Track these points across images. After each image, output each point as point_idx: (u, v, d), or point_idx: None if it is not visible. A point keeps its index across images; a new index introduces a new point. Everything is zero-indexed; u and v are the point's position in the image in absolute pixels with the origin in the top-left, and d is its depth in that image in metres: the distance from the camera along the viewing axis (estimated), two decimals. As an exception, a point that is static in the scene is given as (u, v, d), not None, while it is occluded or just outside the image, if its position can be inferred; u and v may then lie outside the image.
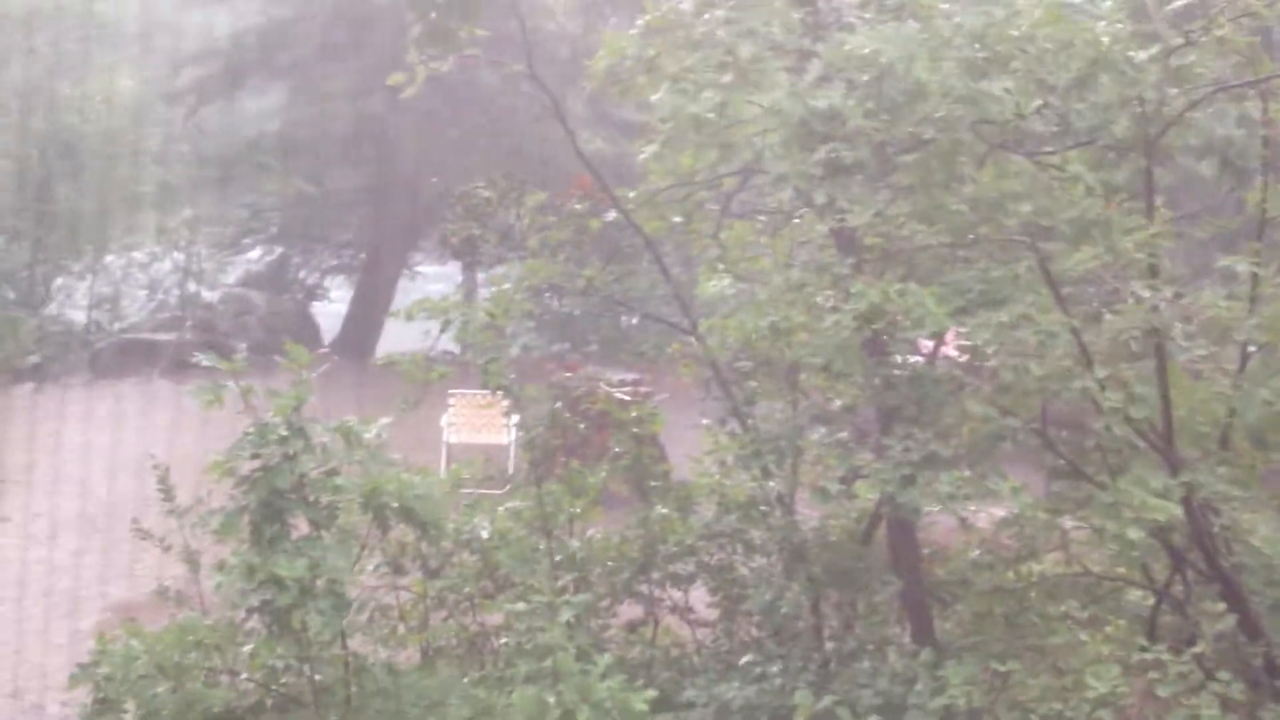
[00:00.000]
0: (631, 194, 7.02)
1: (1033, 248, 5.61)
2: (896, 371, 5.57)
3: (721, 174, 6.67)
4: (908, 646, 5.83)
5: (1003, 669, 5.42)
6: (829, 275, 5.48)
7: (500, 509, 7.00)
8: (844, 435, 5.84)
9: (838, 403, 5.98)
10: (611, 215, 7.11)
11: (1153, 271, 5.85)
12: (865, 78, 5.44)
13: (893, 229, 5.58)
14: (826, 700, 5.10)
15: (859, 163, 5.28)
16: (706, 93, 5.48)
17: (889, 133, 5.47)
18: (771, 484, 6.27)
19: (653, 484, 7.12)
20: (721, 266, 6.97)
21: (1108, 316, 5.86)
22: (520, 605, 5.48)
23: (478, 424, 14.94)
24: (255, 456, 5.24)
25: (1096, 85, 5.59)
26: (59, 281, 24.72)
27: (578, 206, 7.25)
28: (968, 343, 5.50)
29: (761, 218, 7.34)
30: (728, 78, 5.49)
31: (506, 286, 6.99)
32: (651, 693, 5.10)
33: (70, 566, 11.69)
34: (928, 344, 6.18)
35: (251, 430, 5.25)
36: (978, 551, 6.57)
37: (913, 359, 6.03)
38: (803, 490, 6.86)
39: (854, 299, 5.08)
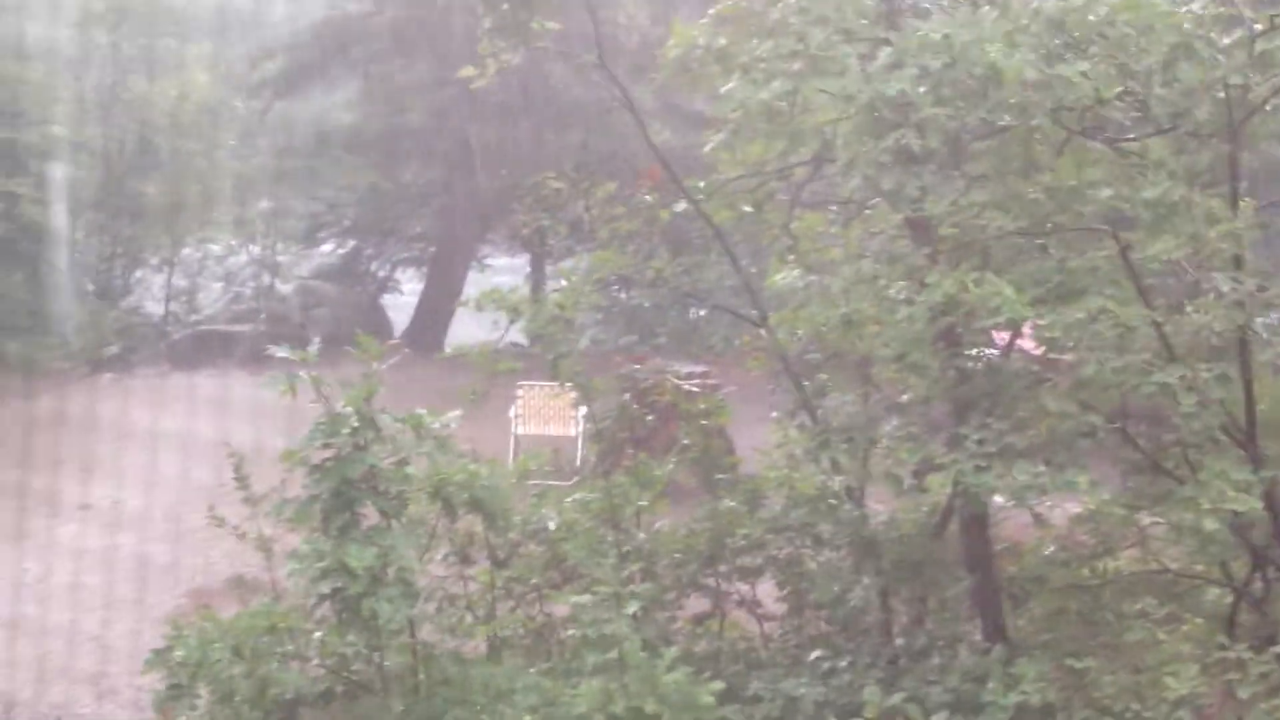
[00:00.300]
0: (701, 184, 6.97)
1: (1113, 236, 5.49)
2: (971, 364, 5.47)
3: (792, 164, 6.60)
4: (979, 643, 5.74)
5: (1079, 666, 5.32)
6: (902, 266, 5.40)
7: (568, 500, 6.99)
8: (916, 428, 5.75)
9: (909, 395, 5.89)
10: (681, 206, 7.07)
11: (1236, 263, 5.70)
12: (938, 64, 5.35)
13: (968, 218, 5.48)
14: (896, 697, 5.03)
15: (929, 150, 5.19)
16: (777, 81, 5.42)
17: (962, 120, 5.37)
18: (841, 477, 6.20)
19: (720, 476, 7.08)
20: (792, 258, 6.90)
21: (1189, 309, 5.72)
22: (587, 597, 5.47)
23: (546, 416, 14.97)
24: (327, 446, 5.29)
25: (1178, 70, 5.45)
26: (138, 274, 25.18)
27: (647, 197, 7.21)
28: (1045, 335, 5.38)
29: (833, 208, 7.26)
30: (798, 66, 5.43)
31: (575, 279, 6.98)
32: (718, 685, 5.07)
33: (147, 553, 11.89)
34: (1002, 337, 6.08)
35: (324, 421, 5.30)
36: (1052, 547, 6.45)
37: (987, 352, 5.92)
38: (872, 484, 6.78)
39: (929, 290, 5.00)
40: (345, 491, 5.22)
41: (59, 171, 21.91)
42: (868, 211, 6.79)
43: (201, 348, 21.16)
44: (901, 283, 5.59)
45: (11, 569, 11.28)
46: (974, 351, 5.62)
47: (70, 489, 13.71)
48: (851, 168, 5.39)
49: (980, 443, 4.98)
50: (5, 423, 16.69)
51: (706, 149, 6.40)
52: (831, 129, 5.73)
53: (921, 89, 5.18)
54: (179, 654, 4.98)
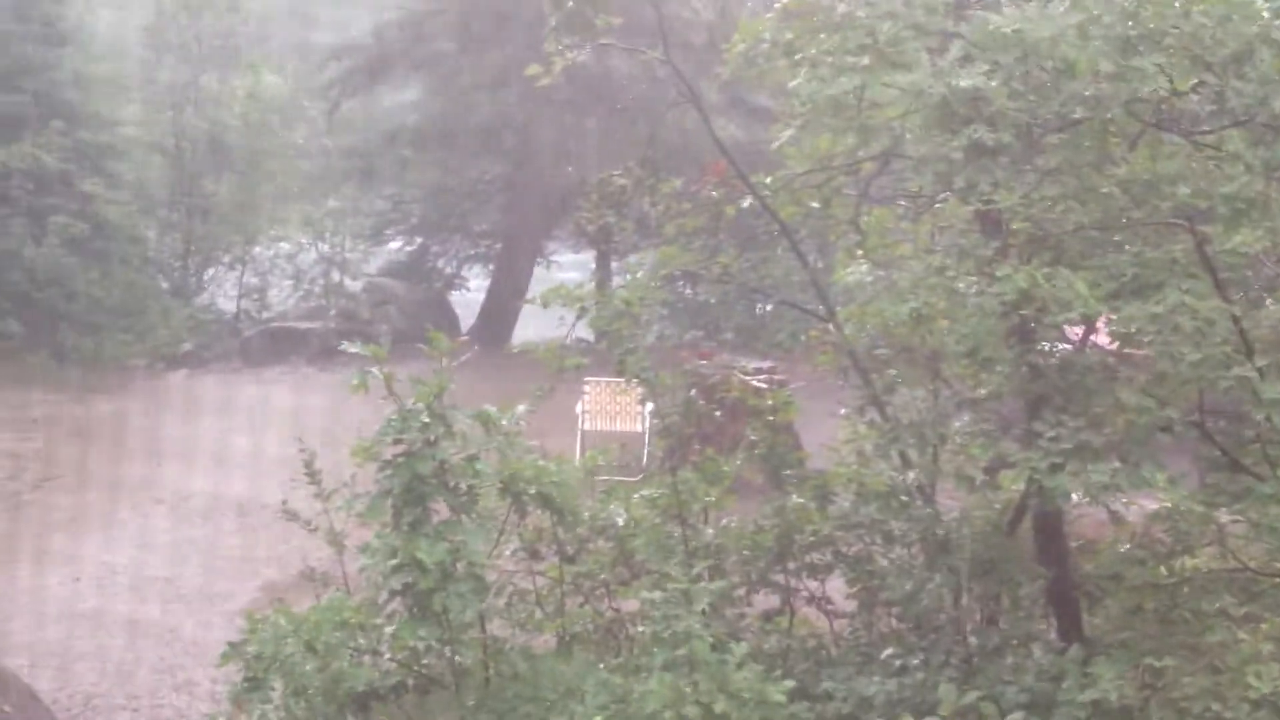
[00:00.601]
0: (768, 180, 6.94)
1: (1189, 230, 5.39)
2: (1044, 360, 5.39)
3: (860, 159, 6.55)
4: (1054, 642, 5.66)
5: (1159, 665, 5.23)
6: (973, 260, 5.33)
7: (635, 496, 7.00)
8: (988, 425, 5.69)
9: (981, 391, 5.82)
10: (747, 202, 7.04)
11: (1317, 256, 5.58)
12: (1010, 57, 5.28)
13: (1040, 212, 5.41)
14: (971, 695, 4.98)
15: (1002, 145, 5.12)
16: (845, 76, 5.38)
17: (1035, 113, 5.29)
18: (912, 474, 6.14)
19: (788, 473, 7.04)
20: (859, 253, 6.86)
21: (1269, 303, 5.60)
22: (657, 593, 5.47)
23: (612, 411, 15.03)
24: (398, 442, 5.33)
25: (1255, 61, 5.33)
26: (210, 272, 25.62)
27: (713, 193, 7.19)
28: (1120, 330, 5.29)
29: (901, 203, 7.20)
30: (866, 60, 5.38)
31: (641, 274, 6.97)
32: (789, 683, 5.05)
33: (220, 547, 12.10)
34: (1075, 332, 5.99)
35: (395, 416, 5.34)
36: (1128, 545, 6.34)
37: (1060, 347, 5.84)
38: (942, 481, 6.72)
39: (1000, 283, 4.93)
40: (416, 487, 5.25)
41: (134, 171, 22.34)
42: (937, 206, 6.72)
43: (273, 344, 21.49)
44: (971, 277, 5.53)
45: (88, 561, 11.52)
46: (1047, 347, 5.54)
47: (145, 483, 13.98)
48: (922, 163, 5.33)
49: (1055, 440, 4.91)
50: (82, 418, 17.05)
51: (774, 145, 6.37)
52: (900, 124, 5.67)
53: (994, 83, 5.11)
54: (254, 648, 5.04)
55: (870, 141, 5.98)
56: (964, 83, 5.01)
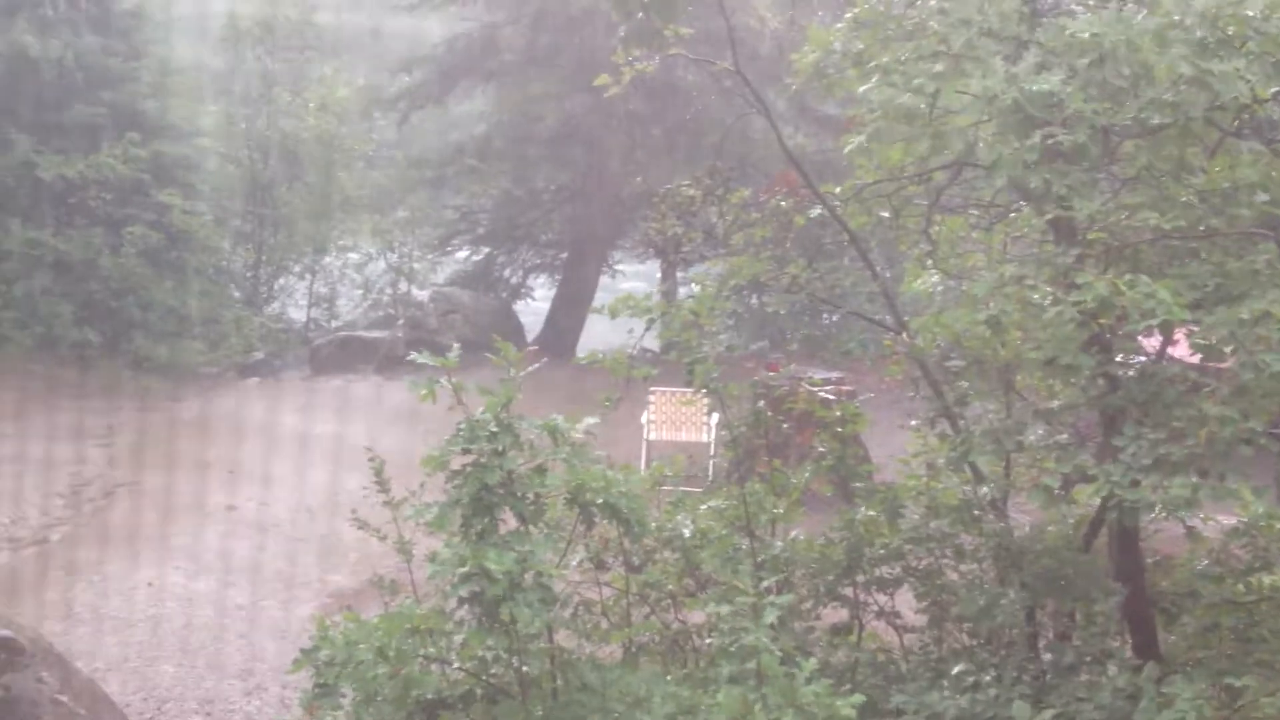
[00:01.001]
0: (837, 189, 6.90)
1: (1275, 240, 5.27)
2: (1122, 371, 5.29)
3: (931, 168, 6.49)
4: (1129, 660, 5.55)
5: (1237, 684, 5.11)
6: (1050, 268, 5.25)
7: (702, 507, 6.97)
8: (1064, 437, 5.60)
9: (1056, 403, 5.73)
10: (816, 211, 7.00)
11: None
12: (1086, 62, 5.20)
13: (1118, 220, 5.32)
14: (1045, 714, 4.89)
15: (1079, 148, 5.04)
16: (918, 83, 5.33)
17: (1111, 119, 5.21)
18: (985, 488, 6.06)
19: (856, 485, 6.98)
20: (930, 263, 6.79)
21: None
22: (725, 606, 5.43)
23: (677, 422, 15.01)
24: (466, 452, 5.34)
25: (1339, 67, 5.21)
26: (281, 281, 25.96)
27: (782, 203, 7.16)
28: (1202, 340, 5.18)
29: (973, 212, 7.12)
30: (939, 68, 5.33)
31: (709, 286, 6.96)
32: (859, 698, 4.99)
33: (290, 553, 12.23)
34: (1153, 343, 5.88)
35: (463, 427, 5.35)
36: (1205, 561, 6.22)
37: (1138, 358, 5.73)
38: (1014, 495, 6.63)
39: (1080, 292, 4.85)
40: (484, 497, 5.25)
41: (208, 182, 22.71)
42: (1011, 215, 6.64)
43: (342, 353, 21.70)
44: (1047, 288, 5.45)
45: (161, 566, 11.69)
46: (1125, 358, 5.44)
47: (217, 489, 14.17)
48: (996, 169, 5.26)
49: (1134, 453, 4.82)
50: (156, 425, 17.33)
51: (844, 153, 6.33)
52: (974, 131, 5.61)
53: (1069, 88, 5.03)
54: (325, 654, 5.06)
55: (942, 149, 5.91)
56: (1038, 87, 4.94)
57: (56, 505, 13.66)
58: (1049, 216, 5.43)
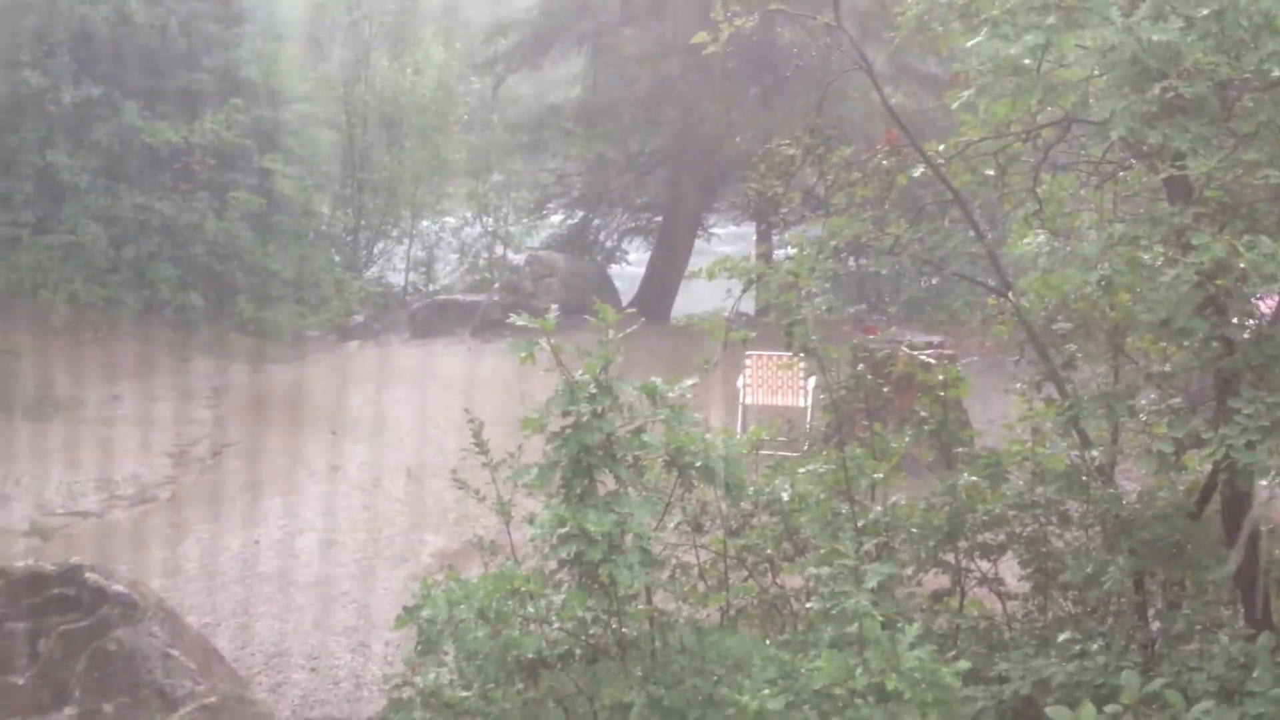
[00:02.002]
0: (940, 148, 6.75)
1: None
2: (1238, 333, 5.11)
3: (1040, 124, 6.31)
4: (1242, 630, 5.40)
5: (1356, 657, 4.94)
6: (1164, 228, 5.08)
7: (800, 471, 6.92)
8: (1177, 401, 5.43)
9: (1167, 366, 5.56)
10: (919, 170, 6.86)
11: None
12: (1204, 12, 5.01)
13: (1235, 178, 5.12)
14: (1156, 683, 4.78)
15: (1199, 102, 4.85)
16: (1029, 35, 5.16)
17: (1231, 71, 5.00)
18: (1092, 453, 5.91)
19: (959, 450, 6.87)
20: (1037, 223, 6.62)
21: None
22: (825, 569, 5.39)
23: (774, 386, 14.90)
24: (566, 414, 5.34)
25: None
26: (379, 246, 26.28)
27: (884, 162, 7.02)
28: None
29: (1082, 170, 6.92)
30: (1051, 19, 5.16)
31: (808, 247, 6.86)
32: (964, 664, 4.92)
33: (391, 514, 12.42)
34: (1269, 305, 5.68)
35: (562, 388, 5.35)
36: (1322, 529, 6.02)
37: (1253, 321, 5.54)
38: (1122, 461, 6.47)
39: (1197, 252, 4.69)
40: (583, 458, 5.26)
41: (308, 147, 23.02)
42: (1122, 174, 6.45)
43: (439, 316, 21.93)
44: (1159, 248, 5.28)
45: (266, 525, 11.96)
46: (1241, 321, 5.25)
47: (320, 450, 14.44)
48: (1111, 124, 5.09)
49: (1252, 415, 4.66)
50: (260, 387, 17.70)
51: (950, 109, 6.18)
52: (1086, 85, 5.43)
53: (1189, 40, 4.85)
54: (427, 613, 5.13)
55: (1052, 104, 5.74)
56: (1158, 37, 4.75)
57: (165, 465, 14.04)
58: (1163, 175, 5.25)
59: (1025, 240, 6.56)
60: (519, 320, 5.60)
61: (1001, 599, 6.59)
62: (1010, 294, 6.30)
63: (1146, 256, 5.31)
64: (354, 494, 12.98)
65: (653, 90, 22.79)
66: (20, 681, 7.85)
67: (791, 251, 7.01)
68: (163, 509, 12.69)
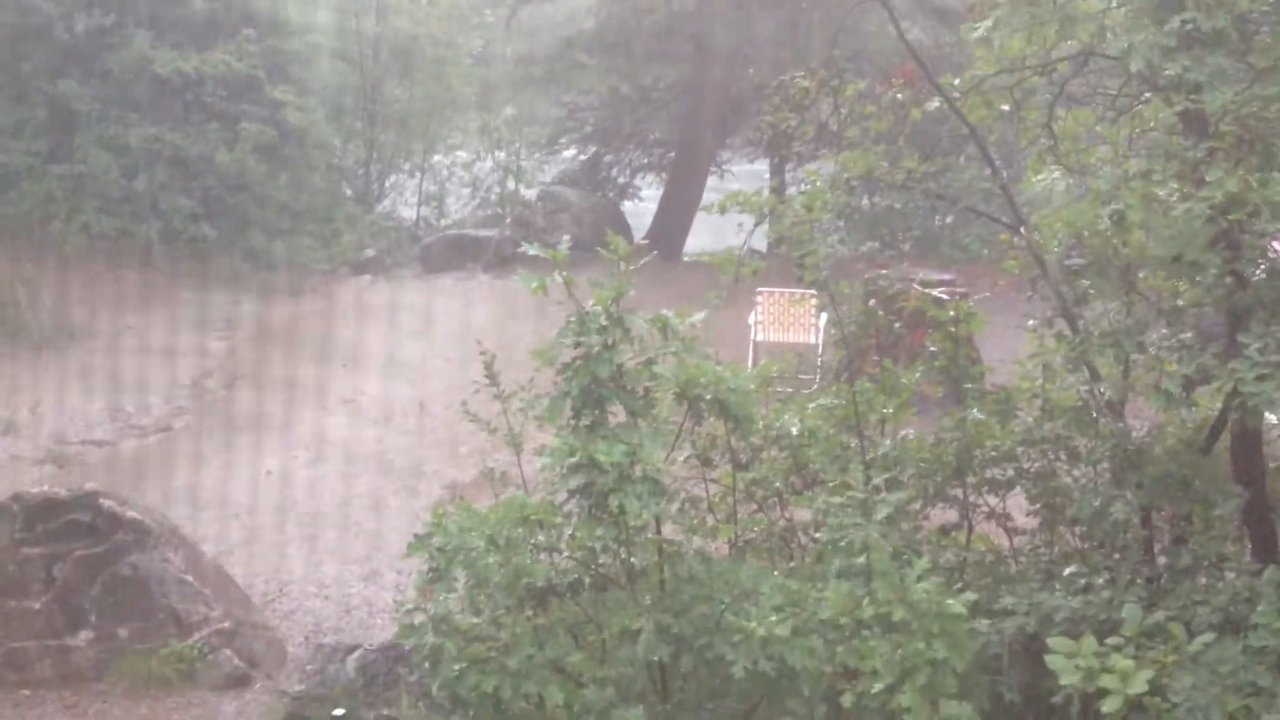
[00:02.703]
0: (956, 82, 6.69)
1: None
2: (1250, 270, 5.09)
3: (1056, 58, 6.25)
4: (1248, 564, 5.43)
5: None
6: (1178, 162, 5.04)
7: (810, 406, 6.94)
8: (1187, 336, 5.42)
9: (1181, 302, 5.54)
10: (934, 104, 6.81)
11: None
12: (1226, -55, 4.94)
13: (1251, 113, 5.08)
14: (1159, 615, 4.82)
15: (1218, 34, 4.80)
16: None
17: (1252, 3, 4.94)
18: (1102, 388, 5.92)
19: (968, 387, 6.87)
20: (1051, 159, 6.58)
21: None
22: (835, 499, 5.43)
23: (785, 322, 14.87)
24: (577, 345, 5.36)
25: None
26: (391, 179, 26.15)
27: (899, 96, 6.97)
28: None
29: (1098, 105, 6.86)
30: (1070, -49, 5.10)
31: (820, 183, 6.82)
32: (971, 596, 4.97)
33: (403, 446, 12.50)
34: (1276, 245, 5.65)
35: (573, 319, 5.37)
36: (1330, 466, 6.03)
37: (1265, 258, 5.51)
38: (1132, 398, 6.47)
39: (1210, 187, 4.66)
40: (594, 390, 5.28)
41: (320, 79, 22.86)
42: (1138, 107, 6.39)
43: (451, 251, 21.86)
44: (1174, 184, 5.25)
45: (278, 457, 12.04)
46: (1254, 256, 5.23)
47: (331, 383, 14.50)
48: (1130, 55, 5.04)
49: (1262, 350, 4.66)
50: (273, 319, 17.73)
51: (971, 37, 6.12)
52: (1103, 17, 5.37)
53: (1210, -30, 4.79)
54: (439, 540, 5.19)
55: (1069, 37, 5.68)
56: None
57: (179, 395, 14.12)
58: (1179, 108, 5.20)
59: (1040, 176, 6.52)
60: (531, 250, 5.60)
61: (1009, 534, 6.62)
62: (1024, 229, 6.27)
63: (1162, 192, 5.28)
64: (366, 426, 13.05)
65: (667, 23, 22.53)
66: (36, 606, 7.98)
67: (806, 185, 6.98)
68: (176, 439, 12.79)
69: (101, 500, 8.28)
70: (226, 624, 8.11)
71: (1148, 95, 5.90)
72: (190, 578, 8.21)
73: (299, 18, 22.40)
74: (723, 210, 6.70)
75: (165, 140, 19.78)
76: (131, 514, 8.30)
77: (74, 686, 7.81)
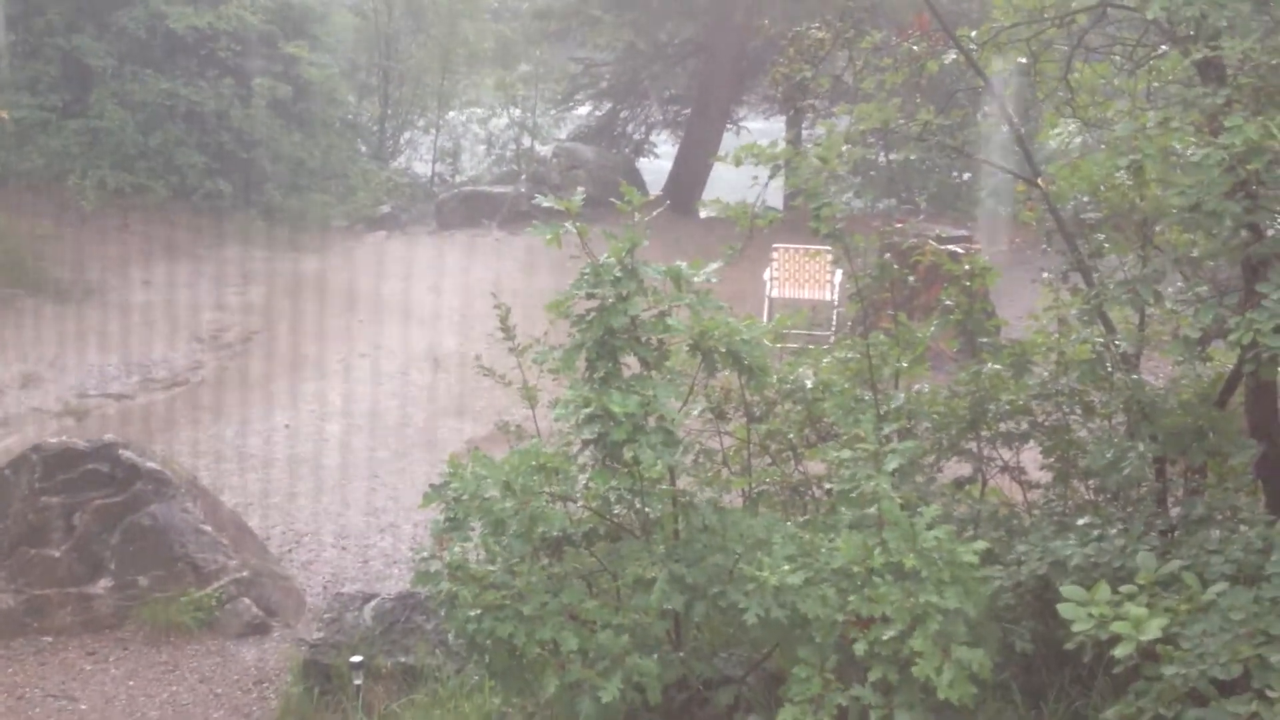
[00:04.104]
0: (973, 33, 6.64)
1: None
2: (1267, 220, 5.07)
3: (1074, 9, 6.20)
4: (1261, 515, 5.44)
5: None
6: (1196, 110, 5.01)
7: (825, 360, 6.95)
8: (1204, 288, 5.41)
9: (1197, 252, 5.52)
10: (950, 57, 6.76)
11: None
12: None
13: (1270, 63, 5.03)
14: (1173, 564, 4.84)
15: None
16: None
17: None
18: (1117, 340, 5.91)
19: (983, 341, 6.87)
20: (1069, 112, 6.54)
21: None
22: (846, 452, 5.45)
23: (801, 278, 14.83)
24: (590, 296, 5.37)
25: None
26: (406, 136, 26.10)
27: (914, 48, 6.92)
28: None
29: (1115, 58, 6.81)
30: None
31: (837, 131, 6.79)
32: (982, 544, 4.99)
33: (419, 400, 12.56)
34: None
35: (587, 271, 5.37)
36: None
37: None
38: (1147, 352, 6.46)
39: (1228, 134, 4.63)
40: (608, 341, 5.30)
41: (333, 34, 22.78)
42: (1153, 60, 6.34)
43: (466, 207, 21.87)
44: (1192, 135, 5.21)
45: (296, 411, 12.11)
46: (1272, 205, 5.19)
47: (349, 338, 14.56)
48: (1148, 2, 4.99)
49: (1279, 302, 4.65)
50: (289, 275, 17.77)
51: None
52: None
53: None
54: (454, 487, 5.23)
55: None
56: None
57: (196, 349, 14.19)
58: (1197, 57, 5.16)
59: (1056, 130, 6.48)
60: (544, 202, 5.60)
61: (1022, 487, 6.64)
62: (1040, 181, 6.24)
63: (1179, 144, 5.24)
64: (382, 381, 13.11)
65: (684, -24, 22.40)
66: (56, 554, 8.07)
67: (822, 136, 6.95)
68: (194, 393, 12.87)
69: (120, 451, 8.35)
70: (245, 573, 8.19)
71: (1164, 47, 5.85)
72: (209, 527, 8.29)
73: (314, -28, 22.31)
74: (738, 162, 6.67)
75: (180, 96, 19.77)
76: (150, 464, 8.37)
77: (95, 634, 7.91)
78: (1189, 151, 5.09)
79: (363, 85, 25.04)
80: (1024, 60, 6.70)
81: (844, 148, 6.37)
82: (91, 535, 8.11)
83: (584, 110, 26.56)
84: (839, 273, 13.67)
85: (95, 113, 19.35)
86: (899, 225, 8.06)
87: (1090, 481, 6.23)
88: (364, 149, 24.42)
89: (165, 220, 19.18)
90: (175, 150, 19.69)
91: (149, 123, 19.66)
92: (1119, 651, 4.53)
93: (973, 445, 6.62)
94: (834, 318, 13.82)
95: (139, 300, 15.89)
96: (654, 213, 5.66)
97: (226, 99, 20.05)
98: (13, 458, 8.59)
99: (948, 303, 6.86)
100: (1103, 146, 5.97)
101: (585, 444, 5.38)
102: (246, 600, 8.05)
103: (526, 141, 25.74)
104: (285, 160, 20.72)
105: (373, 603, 7.32)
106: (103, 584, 8.03)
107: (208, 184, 19.79)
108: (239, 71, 20.36)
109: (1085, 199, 6.07)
